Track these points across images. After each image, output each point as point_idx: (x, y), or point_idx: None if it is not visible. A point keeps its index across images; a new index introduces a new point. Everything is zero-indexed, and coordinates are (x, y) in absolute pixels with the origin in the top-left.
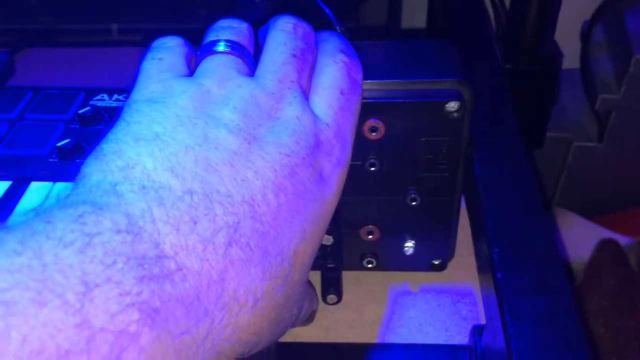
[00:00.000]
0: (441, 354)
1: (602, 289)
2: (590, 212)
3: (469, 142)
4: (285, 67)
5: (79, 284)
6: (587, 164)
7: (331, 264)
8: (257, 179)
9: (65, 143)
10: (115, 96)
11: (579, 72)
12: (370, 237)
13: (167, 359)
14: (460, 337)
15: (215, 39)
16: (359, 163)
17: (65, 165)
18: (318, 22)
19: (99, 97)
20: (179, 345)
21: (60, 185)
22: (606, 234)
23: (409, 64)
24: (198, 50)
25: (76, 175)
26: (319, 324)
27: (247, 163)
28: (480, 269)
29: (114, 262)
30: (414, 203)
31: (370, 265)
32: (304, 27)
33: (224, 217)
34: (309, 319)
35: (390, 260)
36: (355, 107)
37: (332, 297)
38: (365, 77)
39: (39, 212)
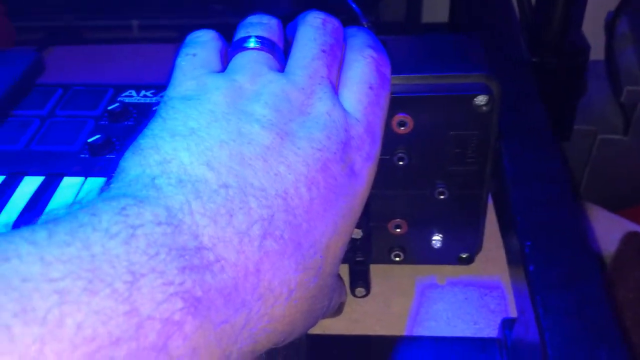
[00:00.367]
0: (470, 347)
1: (628, 282)
2: (615, 205)
3: (497, 136)
4: (315, 63)
5: (126, 273)
6: (612, 156)
7: (360, 257)
8: (289, 173)
9: (96, 139)
10: (143, 92)
11: (603, 64)
12: (398, 230)
13: (208, 347)
14: (489, 330)
15: (246, 35)
16: (387, 157)
17: (96, 160)
18: (343, 17)
19: (127, 93)
20: (219, 334)
21: (92, 180)
22: (631, 227)
23: (437, 58)
24: (229, 46)
25: (107, 170)
26: (348, 316)
27: (280, 157)
28: (511, 262)
29: (157, 253)
30: (442, 197)
31: (397, 259)
32: (333, 23)
33: (259, 210)
34: (338, 311)
35: (417, 253)
36: (384, 102)
37: (360, 290)
38: (393, 72)
39: (82, 204)
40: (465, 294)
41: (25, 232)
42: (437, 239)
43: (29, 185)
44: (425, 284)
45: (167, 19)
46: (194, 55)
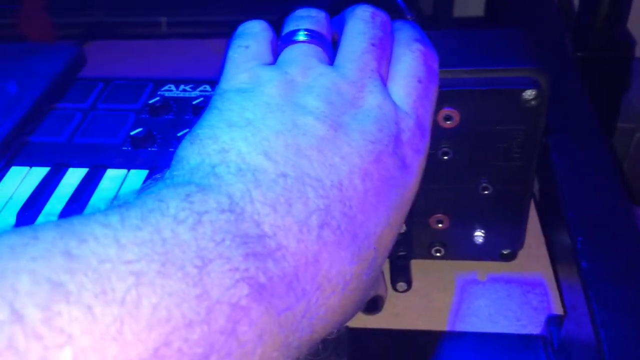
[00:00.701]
0: (514, 344)
1: None
2: None
3: (544, 131)
4: (365, 56)
5: (196, 258)
6: None
7: (402, 252)
8: (344, 165)
9: (138, 132)
10: (182, 87)
11: None
12: (439, 225)
13: (272, 334)
14: (531, 327)
15: (296, 28)
16: (432, 152)
17: (138, 153)
18: (388, 11)
19: (166, 87)
20: (282, 322)
21: (134, 172)
22: None
23: (483, 52)
24: (279, 39)
25: (149, 163)
26: (389, 311)
27: (334, 149)
28: (559, 258)
29: (223, 240)
30: (486, 192)
31: (438, 254)
32: (381, 16)
33: (316, 201)
34: (378, 307)
35: (458, 249)
36: (433, 95)
37: (401, 285)
38: (440, 66)
39: (148, 191)
40: (507, 291)
41: (99, 216)
42: (479, 235)
43: (73, 176)
44: (465, 279)
45: (196, 15)
46: (247, 47)
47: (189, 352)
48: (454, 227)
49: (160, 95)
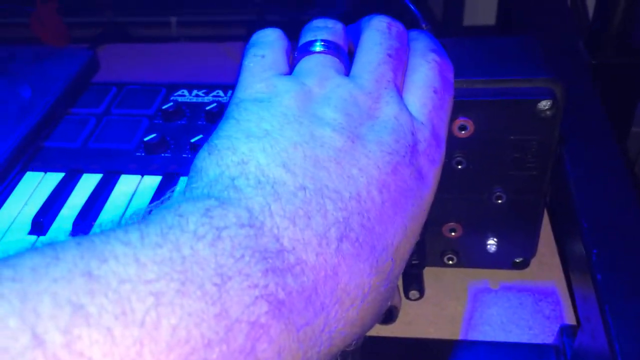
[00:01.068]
0: (527, 353)
1: None
2: None
3: (558, 140)
4: (381, 67)
5: (215, 275)
6: None
7: (415, 260)
8: (362, 176)
9: (152, 138)
10: (195, 92)
11: None
12: (452, 234)
13: (291, 350)
14: (544, 336)
15: (313, 39)
16: (446, 161)
17: (152, 159)
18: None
19: (179, 92)
20: (301, 337)
21: (148, 178)
22: None
23: (498, 61)
24: (295, 48)
25: (163, 169)
26: (401, 319)
27: (352, 160)
28: (572, 268)
29: (242, 256)
30: (499, 201)
31: (450, 262)
32: (397, 27)
33: (335, 213)
34: (393, 318)
35: (471, 257)
36: (448, 106)
37: (414, 293)
38: (455, 75)
39: (167, 205)
40: (520, 299)
41: (119, 233)
42: (492, 243)
43: (88, 182)
44: (478, 287)
45: (205, 16)
46: (263, 56)
47: None
48: (467, 235)
49: (173, 100)
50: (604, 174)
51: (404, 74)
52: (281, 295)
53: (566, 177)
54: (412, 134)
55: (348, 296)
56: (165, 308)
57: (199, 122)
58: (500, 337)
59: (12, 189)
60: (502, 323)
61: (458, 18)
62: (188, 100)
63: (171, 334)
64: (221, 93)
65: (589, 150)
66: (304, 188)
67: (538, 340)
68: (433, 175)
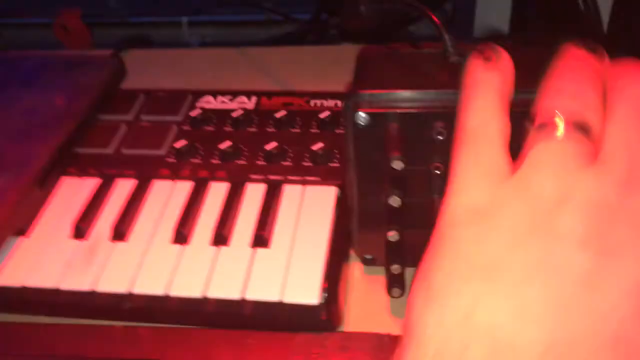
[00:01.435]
0: None
1: None
2: None
3: None
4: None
5: None
6: None
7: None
8: (616, 310)
9: (182, 144)
10: (220, 98)
11: None
12: None
13: None
14: None
15: (554, 116)
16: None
17: (183, 165)
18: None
19: (205, 99)
20: None
21: (181, 184)
22: None
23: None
24: (533, 125)
25: (194, 175)
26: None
27: (602, 289)
28: None
29: None
30: None
31: None
32: None
33: None
34: None
35: None
36: None
37: (396, 291)
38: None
39: None
40: None
41: None
42: None
43: (123, 188)
44: None
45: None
46: (477, 154)
47: None
48: None
49: (200, 107)
50: None
51: None
52: None
53: None
54: None
55: None
56: None
57: (226, 129)
58: None
59: (50, 195)
60: None
61: (469, 30)
62: (214, 107)
63: None
64: (246, 99)
65: None
66: (554, 345)
67: None
68: None
